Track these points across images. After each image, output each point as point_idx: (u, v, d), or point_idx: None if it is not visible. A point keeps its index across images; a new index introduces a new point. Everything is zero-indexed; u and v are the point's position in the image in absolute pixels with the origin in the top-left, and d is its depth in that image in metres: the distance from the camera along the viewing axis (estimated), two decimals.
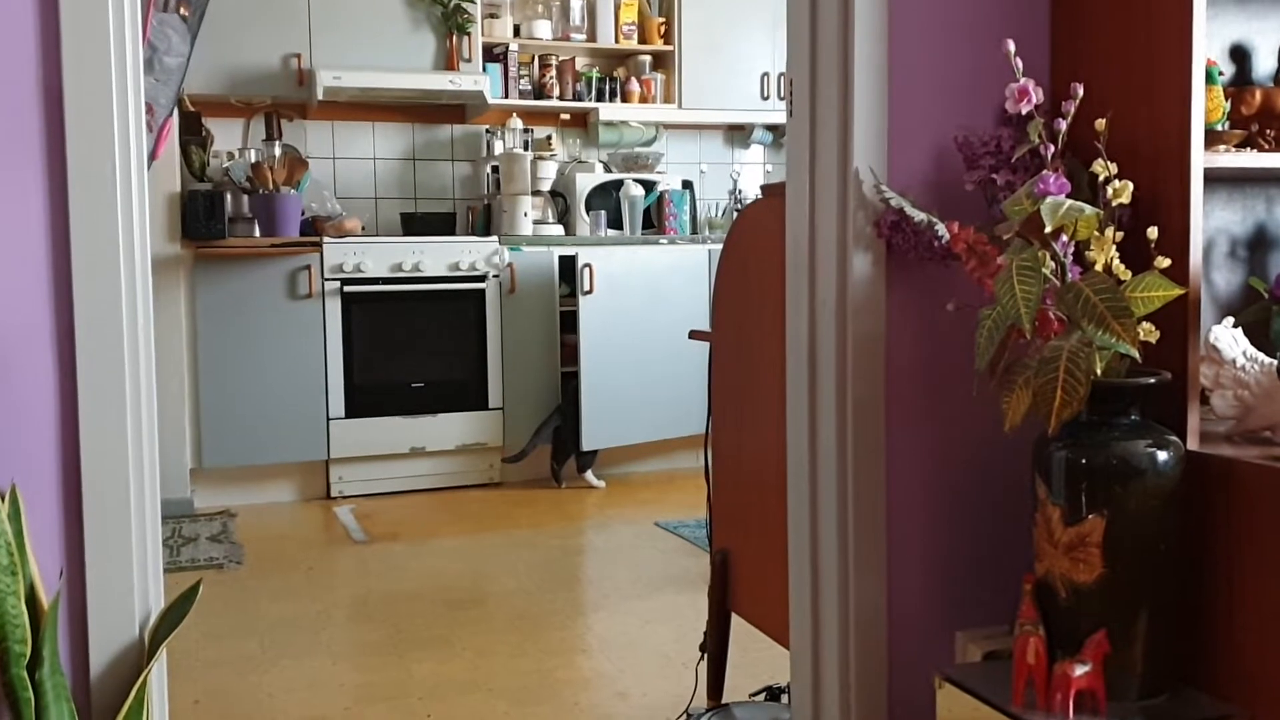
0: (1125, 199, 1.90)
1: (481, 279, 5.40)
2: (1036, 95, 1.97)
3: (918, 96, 2.17)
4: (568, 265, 5.49)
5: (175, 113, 4.73)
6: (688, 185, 6.29)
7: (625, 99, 6.10)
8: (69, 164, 1.82)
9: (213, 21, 4.93)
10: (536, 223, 5.75)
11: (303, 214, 5.30)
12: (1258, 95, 2.18)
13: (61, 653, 1.82)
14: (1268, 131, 2.19)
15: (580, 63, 6.12)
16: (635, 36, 6.12)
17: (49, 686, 1.74)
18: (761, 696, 2.73)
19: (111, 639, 1.89)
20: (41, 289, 1.83)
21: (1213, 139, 2.03)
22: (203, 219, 4.93)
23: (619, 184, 5.96)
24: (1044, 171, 1.90)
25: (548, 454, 5.48)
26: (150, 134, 3.34)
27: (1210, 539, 1.92)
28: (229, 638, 3.46)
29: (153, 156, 3.45)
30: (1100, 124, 1.92)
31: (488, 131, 5.99)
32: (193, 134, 5.27)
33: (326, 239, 5.18)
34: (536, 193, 5.80)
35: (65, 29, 1.80)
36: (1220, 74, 2.15)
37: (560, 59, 6.01)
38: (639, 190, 5.93)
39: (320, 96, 5.36)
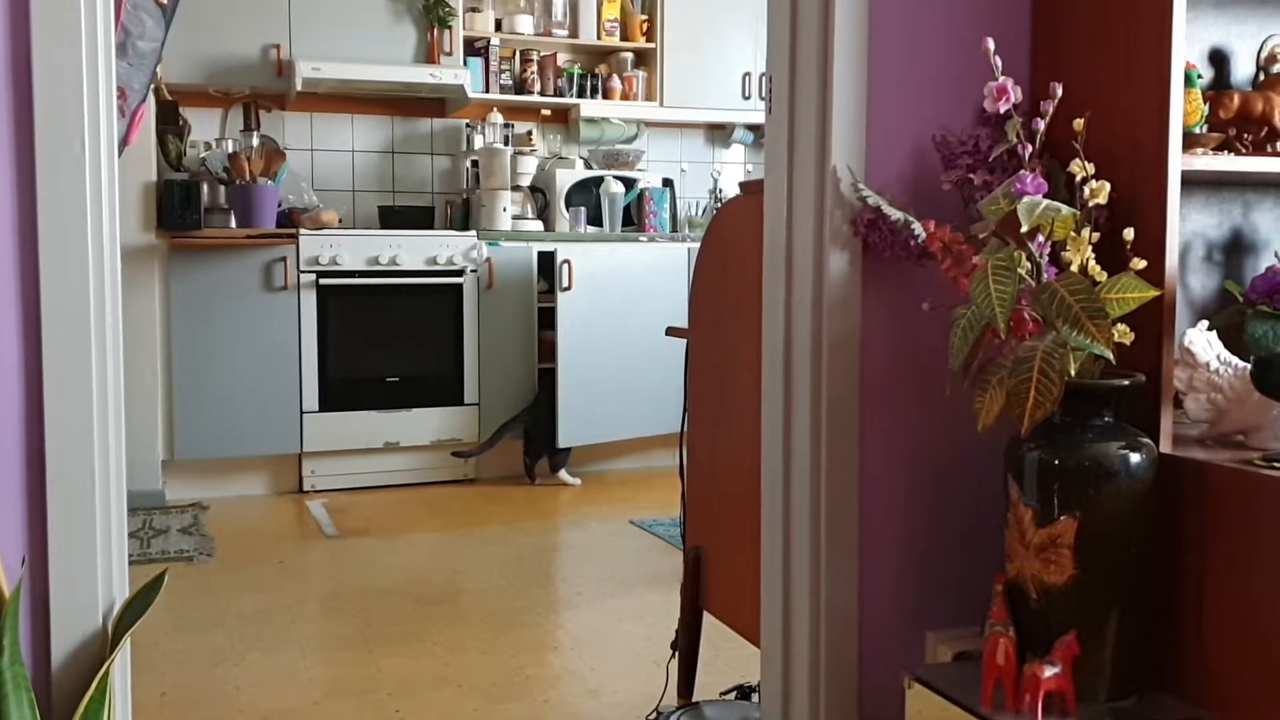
0: (1102, 199, 1.90)
1: (459, 274, 5.37)
2: (1015, 94, 1.97)
3: (896, 95, 2.16)
4: (546, 261, 5.47)
5: (151, 101, 4.69)
6: (668, 183, 6.28)
7: (607, 96, 6.09)
8: (37, 145, 1.79)
9: (192, 10, 4.89)
10: (516, 218, 5.74)
11: (279, 205, 5.27)
12: (1235, 99, 2.19)
13: (22, 642, 1.80)
14: (1245, 135, 2.19)
15: (562, 58, 6.10)
16: (617, 33, 6.10)
17: (8, 676, 1.71)
18: (732, 695, 2.72)
19: (74, 629, 1.87)
20: (7, 273, 1.80)
21: (1190, 142, 2.04)
22: (178, 209, 4.90)
23: (599, 181, 5.94)
24: (1021, 171, 1.90)
25: (520, 451, 5.46)
26: (123, 119, 3.30)
27: (1181, 542, 1.92)
28: (198, 631, 3.43)
29: (125, 142, 3.41)
30: (1078, 124, 1.92)
31: (468, 126, 5.96)
32: (170, 123, 5.23)
33: (303, 231, 5.14)
34: (516, 188, 5.79)
35: (35, 8, 1.77)
36: (1199, 77, 2.16)
37: (542, 54, 5.99)
38: (619, 187, 5.92)
39: (299, 88, 5.32)
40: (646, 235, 5.90)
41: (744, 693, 2.69)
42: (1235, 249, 2.32)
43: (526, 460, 5.43)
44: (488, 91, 5.83)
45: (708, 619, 2.67)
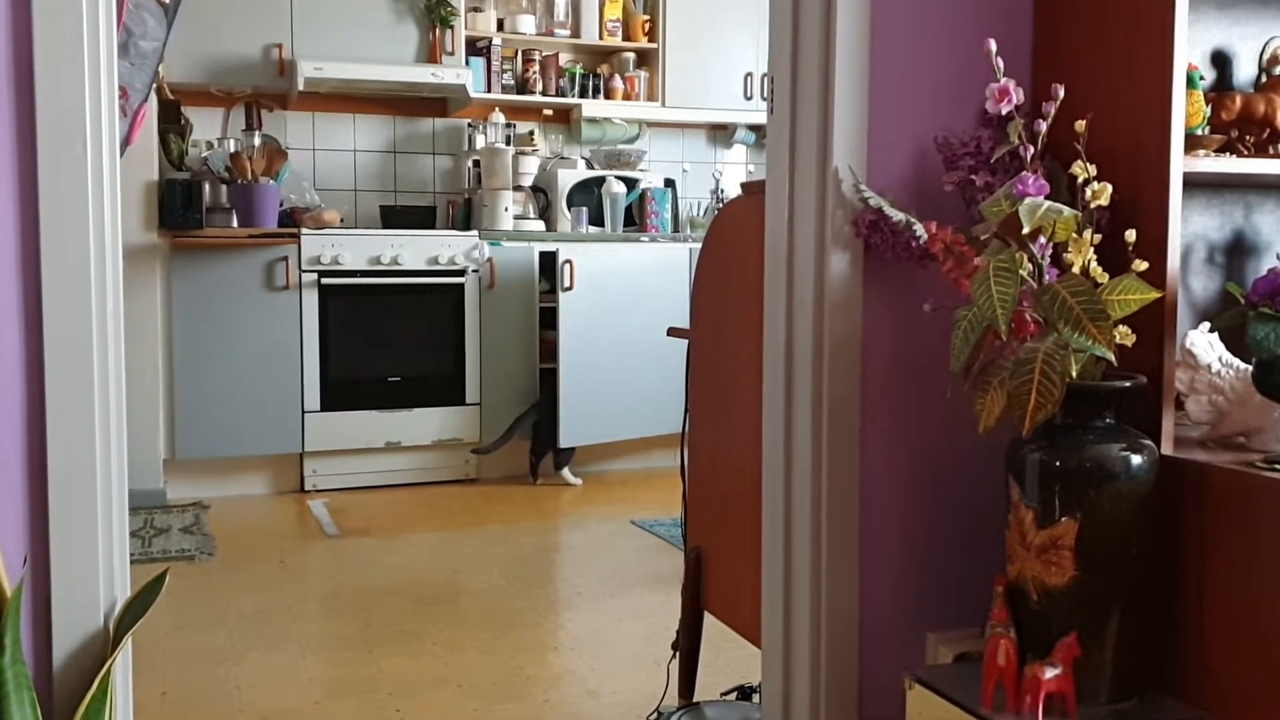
0: (1104, 201, 1.89)
1: (461, 273, 5.37)
2: (1017, 95, 1.97)
3: (898, 96, 2.16)
4: (548, 261, 5.47)
5: (153, 100, 4.69)
6: (670, 183, 6.28)
7: (608, 96, 6.09)
8: (39, 144, 1.79)
9: (193, 10, 4.89)
10: (517, 218, 5.74)
11: (281, 205, 5.27)
12: (1238, 101, 2.19)
13: (24, 641, 1.80)
14: (1247, 137, 2.19)
15: (564, 59, 6.10)
16: (619, 33, 6.10)
17: (10, 675, 1.71)
18: (733, 696, 2.72)
19: (75, 628, 1.87)
20: (9, 272, 1.80)
21: (1192, 143, 2.04)
22: (180, 208, 4.90)
23: (601, 181, 5.94)
24: (1023, 173, 1.90)
25: (524, 450, 5.46)
26: (125, 118, 3.30)
27: (1182, 544, 1.92)
28: (199, 630, 3.43)
29: (127, 142, 3.41)
30: (1080, 125, 1.92)
31: (469, 125, 5.97)
32: (171, 123, 5.23)
33: (304, 230, 5.15)
34: (518, 188, 5.79)
35: (37, 8, 1.77)
36: (1201, 79, 2.15)
37: (543, 54, 5.99)
38: (621, 187, 5.92)
39: (301, 87, 5.33)
40: (648, 235, 5.90)
41: (744, 693, 2.69)
42: (1237, 251, 2.32)
43: (532, 458, 5.44)
44: (489, 91, 5.83)
45: (708, 619, 2.67)
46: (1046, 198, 1.87)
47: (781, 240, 2.22)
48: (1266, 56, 2.29)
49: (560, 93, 6.02)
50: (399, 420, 5.32)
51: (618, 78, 6.09)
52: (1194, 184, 2.14)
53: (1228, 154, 2.13)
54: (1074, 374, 1.81)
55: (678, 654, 2.71)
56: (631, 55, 6.15)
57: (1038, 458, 1.86)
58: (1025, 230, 1.85)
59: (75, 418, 1.84)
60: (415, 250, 5.31)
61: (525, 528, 4.68)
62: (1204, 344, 2.02)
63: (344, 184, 5.85)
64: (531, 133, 6.06)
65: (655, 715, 2.74)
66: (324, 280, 5.15)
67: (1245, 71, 2.30)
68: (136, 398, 4.57)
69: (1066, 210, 1.86)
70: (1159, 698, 1.93)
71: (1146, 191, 1.96)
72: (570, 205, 5.87)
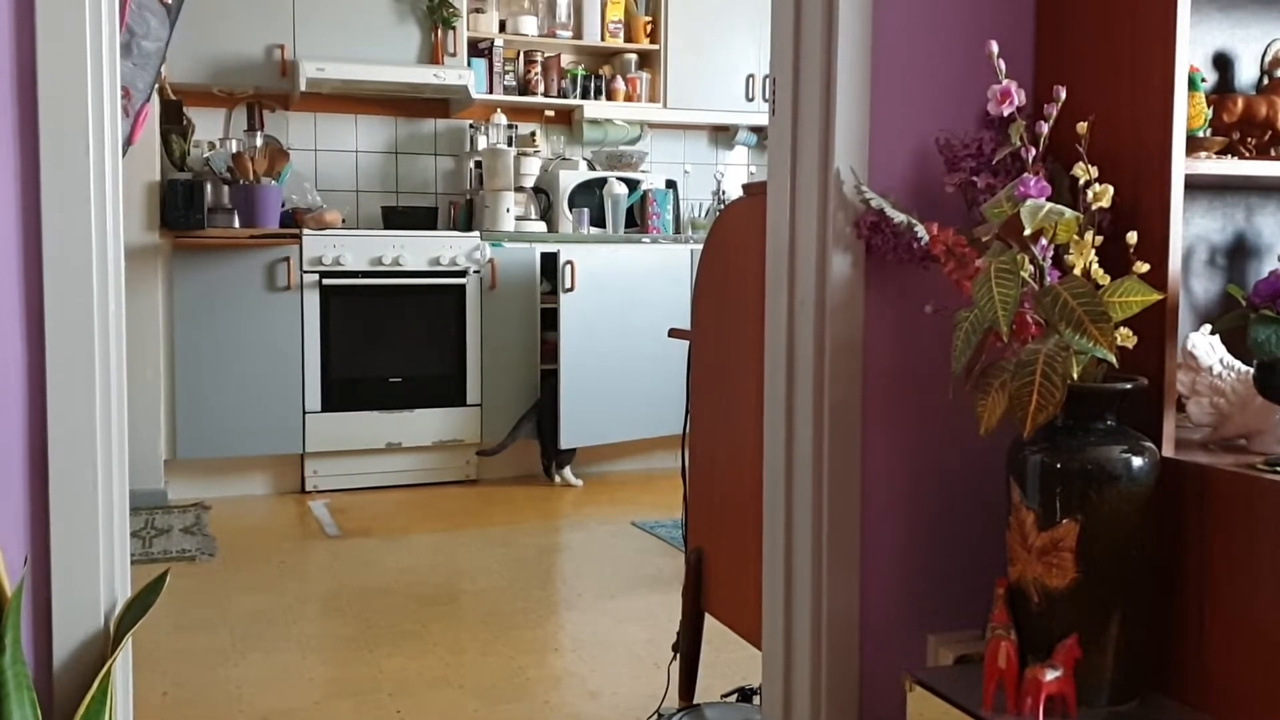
0: (1105, 203, 1.89)
1: (462, 274, 5.37)
2: (1018, 97, 1.97)
3: (900, 97, 2.16)
4: (549, 262, 5.47)
5: (155, 101, 4.70)
6: (671, 185, 6.28)
7: (610, 97, 6.09)
8: (41, 144, 1.79)
9: (196, 10, 4.90)
10: (519, 219, 5.74)
11: (283, 205, 5.27)
12: (1239, 103, 2.19)
13: (24, 641, 1.80)
14: (1249, 139, 2.19)
15: (565, 60, 6.11)
16: (621, 35, 6.11)
17: (10, 675, 1.71)
18: (733, 697, 2.72)
19: (76, 628, 1.87)
20: (11, 272, 1.80)
21: (1194, 145, 2.04)
22: (182, 208, 4.90)
23: (602, 182, 5.94)
24: (1025, 174, 1.90)
25: (524, 450, 5.46)
26: (127, 119, 3.31)
27: (1184, 546, 1.92)
28: (199, 630, 3.43)
29: (129, 142, 3.42)
30: (1082, 127, 1.92)
31: (471, 126, 5.97)
32: (174, 123, 5.23)
33: (306, 231, 5.15)
34: (519, 189, 5.79)
35: (40, 8, 1.77)
36: (1203, 81, 2.16)
37: (545, 55, 6.00)
38: (622, 189, 5.92)
39: (303, 88, 5.33)
40: (649, 236, 5.90)
41: (745, 695, 2.69)
42: (1238, 253, 2.32)
43: (544, 461, 5.45)
44: (491, 92, 5.83)
45: (709, 621, 2.67)
46: (1048, 199, 1.87)
47: (783, 241, 2.22)
48: (1268, 59, 2.29)
49: (562, 94, 6.02)
50: (400, 421, 5.32)
51: (619, 79, 6.09)
52: (1195, 186, 2.14)
53: (1229, 156, 2.13)
54: (1075, 376, 1.81)
55: (678, 656, 2.70)
56: (633, 56, 6.15)
57: (1039, 459, 1.86)
58: (1027, 232, 1.85)
59: (76, 418, 1.84)
60: (417, 251, 5.31)
61: (526, 529, 4.68)
62: (1205, 346, 2.02)
63: (346, 184, 5.85)
64: (533, 134, 6.07)
65: (655, 717, 2.74)
66: (325, 281, 5.15)
67: (1247, 73, 2.31)
68: (137, 398, 4.57)
69: (1068, 212, 1.86)
70: (1160, 700, 1.93)
71: (1148, 193, 1.96)
72: (572, 206, 5.87)
